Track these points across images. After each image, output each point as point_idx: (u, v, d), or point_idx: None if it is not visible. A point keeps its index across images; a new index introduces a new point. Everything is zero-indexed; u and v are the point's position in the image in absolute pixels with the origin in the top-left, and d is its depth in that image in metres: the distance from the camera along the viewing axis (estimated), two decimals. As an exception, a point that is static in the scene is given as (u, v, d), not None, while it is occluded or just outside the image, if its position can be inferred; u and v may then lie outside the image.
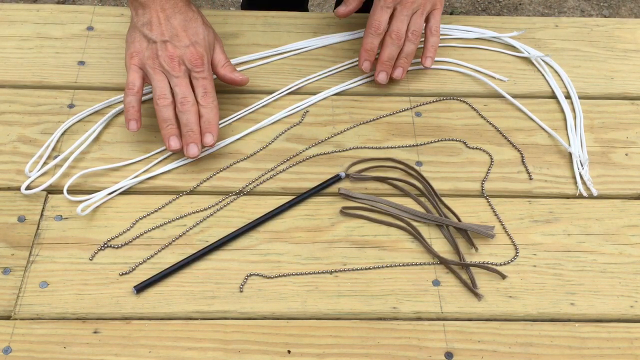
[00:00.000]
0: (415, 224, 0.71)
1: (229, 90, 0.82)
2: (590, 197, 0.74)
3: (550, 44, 0.89)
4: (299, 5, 1.37)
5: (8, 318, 0.63)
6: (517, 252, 0.69)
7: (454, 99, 0.83)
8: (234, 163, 0.75)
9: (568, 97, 0.83)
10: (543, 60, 0.87)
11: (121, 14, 0.89)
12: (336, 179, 0.74)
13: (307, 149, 0.77)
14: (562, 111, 0.82)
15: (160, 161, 0.75)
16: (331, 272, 0.67)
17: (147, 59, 0.73)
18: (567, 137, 0.79)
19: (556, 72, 0.86)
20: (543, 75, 0.86)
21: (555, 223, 0.72)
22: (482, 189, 0.74)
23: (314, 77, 0.84)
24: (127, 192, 0.72)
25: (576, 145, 0.78)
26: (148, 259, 0.67)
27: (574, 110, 0.82)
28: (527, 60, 0.88)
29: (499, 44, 0.89)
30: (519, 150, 0.78)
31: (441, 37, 0.88)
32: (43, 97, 0.79)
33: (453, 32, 0.90)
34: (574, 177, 0.75)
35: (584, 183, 0.75)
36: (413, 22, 0.80)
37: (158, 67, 0.73)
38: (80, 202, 0.70)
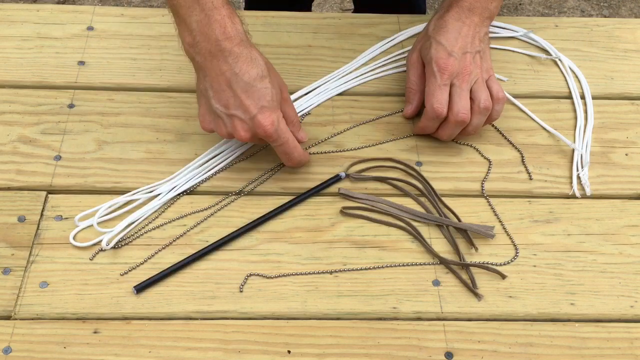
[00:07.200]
0: (415, 224, 0.71)
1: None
2: (589, 197, 0.74)
3: (550, 44, 0.89)
4: (303, 5, 1.37)
5: (8, 318, 0.63)
6: (517, 252, 0.69)
7: (454, 99, 0.82)
8: (234, 163, 0.75)
9: (569, 97, 0.84)
10: (560, 60, 0.87)
11: (121, 14, 0.89)
12: (336, 179, 0.74)
13: (307, 149, 0.77)
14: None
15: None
16: (331, 272, 0.67)
17: (218, 130, 0.70)
18: (567, 137, 0.79)
19: (561, 72, 0.86)
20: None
21: (555, 223, 0.72)
22: (482, 189, 0.74)
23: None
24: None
25: (580, 145, 0.78)
26: (148, 259, 0.67)
27: (574, 110, 0.82)
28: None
29: (497, 42, 0.89)
30: (519, 150, 0.78)
31: None
32: (43, 97, 0.79)
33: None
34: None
35: (579, 184, 0.75)
36: (479, 95, 0.73)
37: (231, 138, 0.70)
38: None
